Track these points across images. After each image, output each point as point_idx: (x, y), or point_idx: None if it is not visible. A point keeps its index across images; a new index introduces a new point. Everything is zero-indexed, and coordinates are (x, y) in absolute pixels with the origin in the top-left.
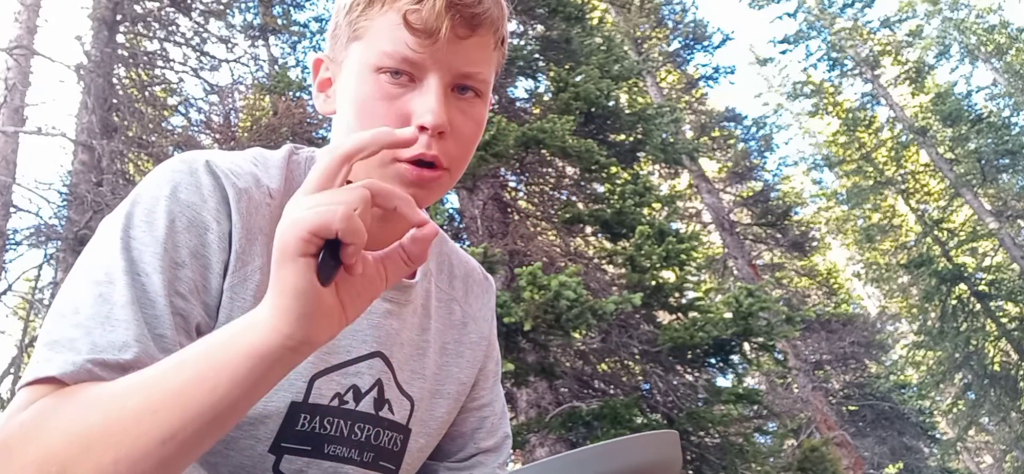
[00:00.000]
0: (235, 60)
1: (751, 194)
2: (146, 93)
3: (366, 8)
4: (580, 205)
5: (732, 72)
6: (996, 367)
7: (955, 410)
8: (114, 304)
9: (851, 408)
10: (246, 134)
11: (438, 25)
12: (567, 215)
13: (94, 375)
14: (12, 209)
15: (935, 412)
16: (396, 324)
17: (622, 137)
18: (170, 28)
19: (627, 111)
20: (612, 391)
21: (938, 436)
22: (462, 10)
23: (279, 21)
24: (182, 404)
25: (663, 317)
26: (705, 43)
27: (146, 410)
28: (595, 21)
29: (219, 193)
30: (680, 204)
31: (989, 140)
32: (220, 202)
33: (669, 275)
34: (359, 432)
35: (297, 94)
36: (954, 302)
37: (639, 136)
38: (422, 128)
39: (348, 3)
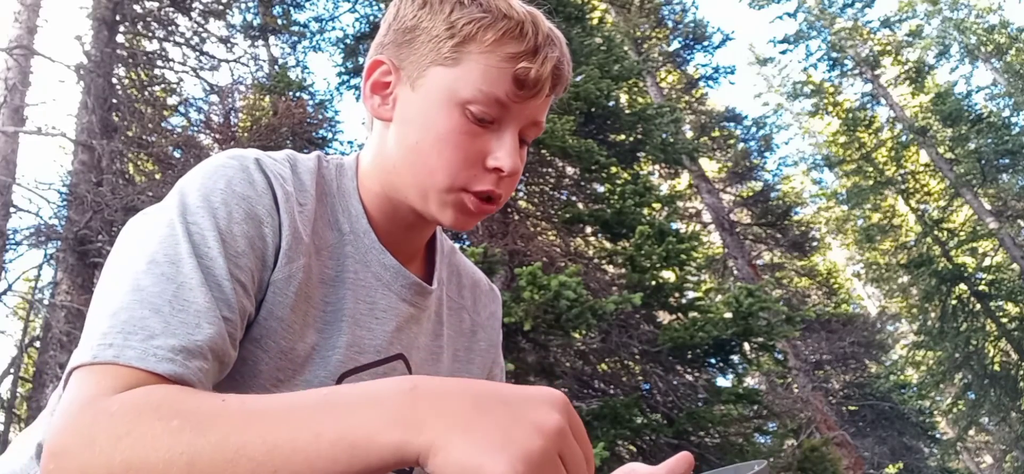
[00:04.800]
0: (235, 60)
1: (751, 194)
2: (146, 93)
3: (466, 40)
4: (580, 205)
5: (732, 72)
6: (996, 367)
7: (955, 410)
8: (181, 285)
9: (851, 408)
10: (246, 134)
11: (543, 87)
12: (567, 215)
13: (176, 364)
14: (12, 209)
15: (935, 412)
16: (416, 329)
17: (622, 137)
18: (170, 28)
19: (627, 111)
20: (612, 391)
21: (938, 436)
22: (557, 72)
23: (279, 21)
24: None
25: (663, 317)
26: (705, 43)
27: (265, 465)
28: (595, 21)
29: (270, 191)
30: (680, 204)
31: (989, 140)
32: (272, 200)
33: (669, 275)
34: None
35: (297, 94)
36: (954, 302)
37: (639, 136)
38: (497, 170)
39: (440, 25)
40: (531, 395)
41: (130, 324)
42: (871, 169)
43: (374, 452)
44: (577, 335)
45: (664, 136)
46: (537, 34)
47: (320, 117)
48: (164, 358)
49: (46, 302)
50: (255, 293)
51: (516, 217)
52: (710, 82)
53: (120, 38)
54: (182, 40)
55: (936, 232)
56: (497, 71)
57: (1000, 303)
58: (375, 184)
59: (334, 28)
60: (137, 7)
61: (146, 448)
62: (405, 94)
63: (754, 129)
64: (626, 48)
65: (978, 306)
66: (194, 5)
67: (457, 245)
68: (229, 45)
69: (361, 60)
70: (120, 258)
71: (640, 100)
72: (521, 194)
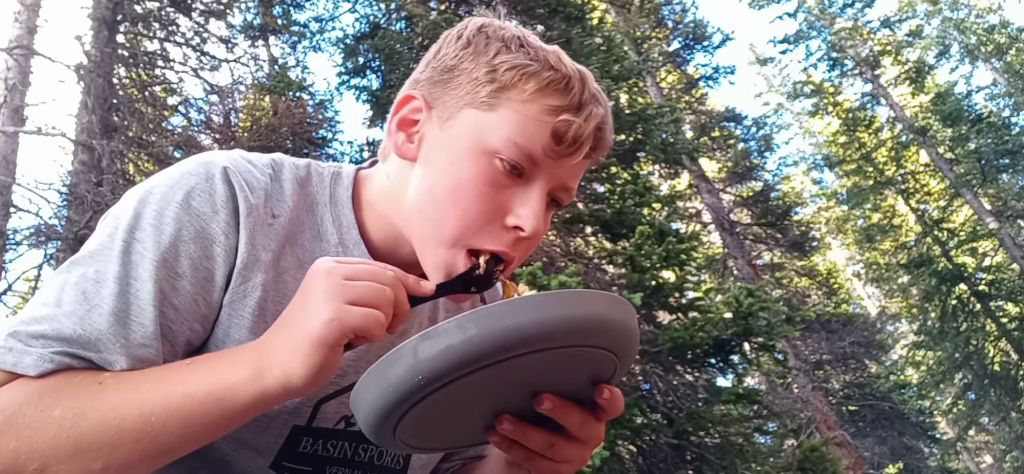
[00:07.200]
0: (235, 60)
1: (751, 194)
2: (146, 93)
3: (505, 87)
4: (580, 205)
5: (732, 72)
6: (996, 367)
7: (955, 410)
8: (93, 307)
9: (851, 408)
10: (246, 134)
11: (583, 145)
12: (567, 215)
13: (65, 365)
14: (12, 209)
15: (935, 412)
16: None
17: (622, 137)
18: (170, 28)
19: (627, 111)
20: None
21: (938, 436)
22: (598, 134)
23: (279, 21)
24: (183, 433)
25: (663, 317)
26: (705, 43)
27: (146, 432)
28: (595, 21)
29: (231, 205)
30: (680, 204)
31: (989, 140)
32: (231, 214)
33: (669, 275)
34: (363, 453)
35: (297, 94)
36: (954, 302)
37: (639, 136)
38: (517, 228)
39: (481, 68)
40: (307, 280)
41: (37, 335)
42: (871, 169)
43: (239, 398)
44: None
45: (664, 136)
46: (584, 90)
47: (320, 117)
48: (50, 359)
49: None
50: (203, 313)
51: None
52: (710, 82)
53: (120, 38)
54: (182, 40)
55: (936, 232)
56: (536, 124)
57: (1000, 303)
58: (383, 206)
59: (334, 28)
60: (137, 7)
61: (32, 437)
62: (433, 133)
63: (754, 129)
64: (626, 48)
65: (978, 306)
66: (194, 5)
67: None
68: (229, 45)
69: (361, 60)
70: (77, 254)
71: (640, 100)
72: None
